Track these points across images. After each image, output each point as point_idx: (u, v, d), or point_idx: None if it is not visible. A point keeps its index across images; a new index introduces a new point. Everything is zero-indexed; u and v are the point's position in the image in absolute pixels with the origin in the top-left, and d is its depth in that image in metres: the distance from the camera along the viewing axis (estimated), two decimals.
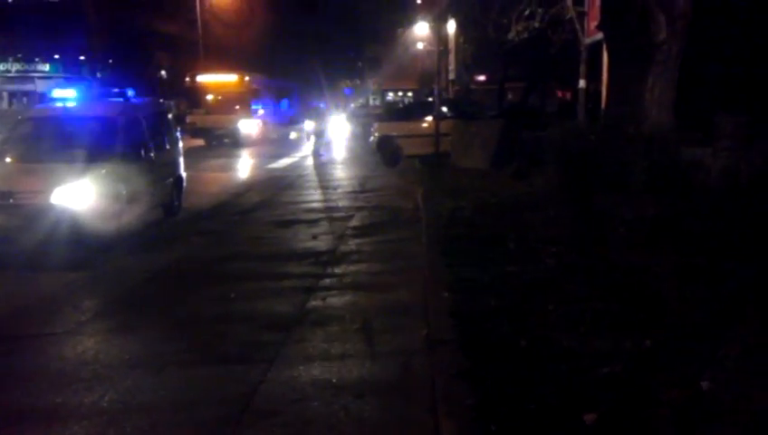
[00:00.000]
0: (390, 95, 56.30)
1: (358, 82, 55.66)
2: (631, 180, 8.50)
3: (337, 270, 7.42)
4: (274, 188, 14.43)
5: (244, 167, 20.32)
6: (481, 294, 5.71)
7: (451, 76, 32.82)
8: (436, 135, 17.12)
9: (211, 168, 19.06)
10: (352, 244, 8.75)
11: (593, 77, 15.64)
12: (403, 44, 46.54)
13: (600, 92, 14.82)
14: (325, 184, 15.07)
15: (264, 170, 18.53)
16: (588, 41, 15.24)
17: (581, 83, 15.32)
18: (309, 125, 34.46)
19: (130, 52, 39.99)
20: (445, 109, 18.51)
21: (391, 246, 8.54)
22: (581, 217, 8.12)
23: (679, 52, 9.29)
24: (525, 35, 17.84)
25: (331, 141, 27.07)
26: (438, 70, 19.86)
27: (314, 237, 9.16)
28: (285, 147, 26.31)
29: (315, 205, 12.14)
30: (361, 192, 13.57)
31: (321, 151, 21.69)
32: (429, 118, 18.24)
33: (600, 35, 12.13)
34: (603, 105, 11.35)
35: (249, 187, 14.92)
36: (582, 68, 15.25)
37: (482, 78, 32.84)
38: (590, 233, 7.43)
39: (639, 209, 7.84)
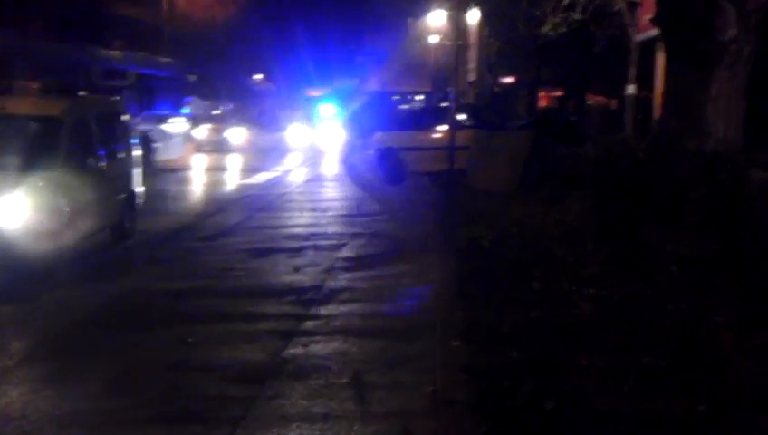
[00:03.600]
0: (395, 98, 56.74)
1: (356, 81, 56.00)
2: (688, 210, 8.54)
3: (323, 311, 7.46)
4: (249, 209, 14.53)
5: (214, 182, 20.45)
6: (500, 344, 5.74)
7: (471, 77, 33.06)
8: (450, 148, 17.23)
9: (173, 182, 19.17)
10: (343, 279, 8.79)
11: (645, 82, 15.80)
12: (413, 37, 46.91)
13: (651, 101, 14.98)
14: (312, 205, 15.16)
15: (237, 187, 18.65)
16: (639, 38, 15.42)
17: (630, 89, 15.49)
18: (295, 130, 34.76)
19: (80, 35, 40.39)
20: (462, 116, 18.65)
21: (392, 283, 8.59)
22: (626, 252, 8.16)
23: (751, 54, 9.34)
24: (563, 30, 18.05)
25: (322, 152, 27.31)
26: (456, 69, 20.07)
27: (296, 270, 9.21)
28: (263, 158, 26.47)
29: (299, 230, 12.20)
30: (357, 216, 13.65)
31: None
32: (443, 127, 18.37)
33: (654, 31, 12.26)
34: (656, 117, 11.46)
35: (219, 206, 15.01)
36: (632, 71, 15.44)
37: (509, 80, 33.17)
38: (635, 272, 7.47)
39: (697, 246, 7.89)
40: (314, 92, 47.36)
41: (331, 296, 8.00)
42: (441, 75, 39.50)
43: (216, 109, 35.89)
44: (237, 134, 31.12)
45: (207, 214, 14.00)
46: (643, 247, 8.15)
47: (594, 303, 6.65)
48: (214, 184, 20.00)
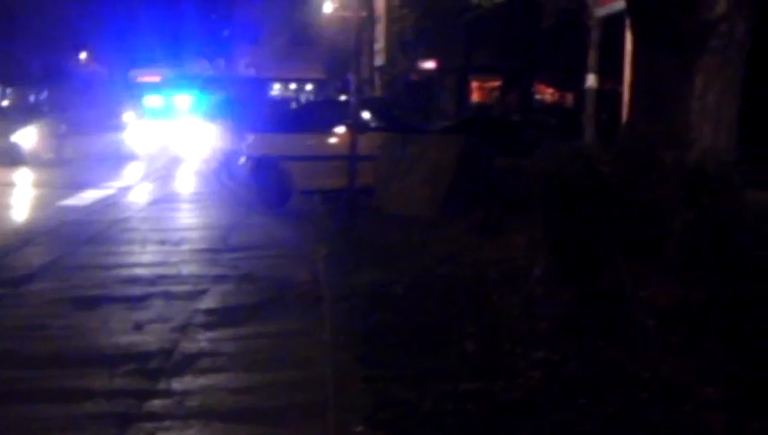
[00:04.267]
0: (275, 88, 56.73)
1: (222, 62, 55.81)
2: (668, 242, 8.76)
3: (175, 385, 7.34)
4: (71, 241, 14.23)
5: (20, 204, 19.94)
6: (419, 431, 5.73)
7: (379, 60, 33.43)
8: (351, 158, 17.28)
9: None
10: (203, 340, 8.69)
11: (609, 71, 16.22)
12: (300, 6, 47.15)
13: (619, 96, 15.37)
14: (161, 235, 14.94)
15: (54, 210, 18.23)
16: (602, 12, 15.83)
17: (590, 80, 15.88)
18: (138, 130, 34.27)
19: None
20: (366, 115, 18.77)
21: (271, 346, 8.55)
22: (586, 300, 8.31)
23: (746, 35, 9.51)
24: (500, 0, 18.40)
25: (177, 161, 27.04)
26: (358, 49, 20.20)
27: (138, 328, 9.06)
28: (92, 169, 26.03)
29: (141, 271, 12.02)
30: (222, 251, 13.55)
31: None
32: (340, 129, 18.43)
33: (620, 4, 12.58)
34: (624, 117, 11.71)
35: (26, 238, 14.64)
36: (592, 56, 15.81)
37: (430, 65, 33.60)
38: (598, 327, 7.60)
39: (679, 291, 8.07)
40: (149, 77, 46.04)
41: (186, 365, 7.87)
42: (338, 57, 39.82)
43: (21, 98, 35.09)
44: (38, 135, 29.95)
45: (9, 249, 13.62)
46: (609, 294, 8.29)
47: (546, 371, 6.71)
48: (19, 207, 19.52)
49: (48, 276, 11.65)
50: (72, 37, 47.06)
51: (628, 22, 11.78)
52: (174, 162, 29.34)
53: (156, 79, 45.18)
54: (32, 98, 39.70)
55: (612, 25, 15.50)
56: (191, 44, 53.22)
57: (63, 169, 26.50)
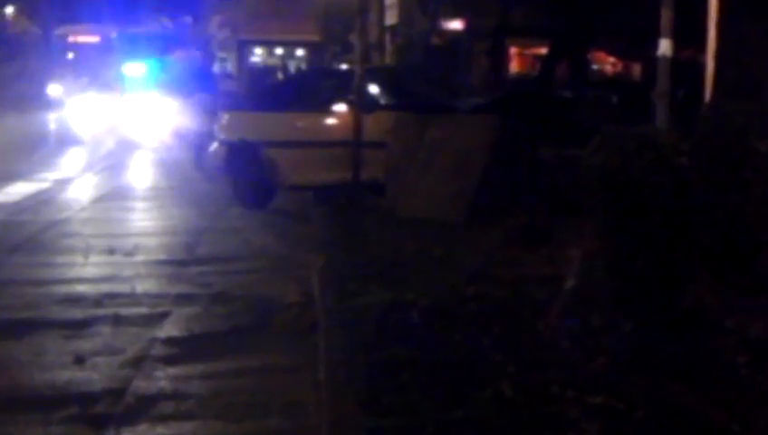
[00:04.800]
0: (257, 54, 56.71)
1: (188, 20, 55.90)
2: (763, 256, 8.74)
3: None
4: None
5: None
6: None
7: (391, 19, 33.45)
8: (354, 145, 17.28)
9: None
10: (163, 378, 8.67)
11: (688, 36, 16.19)
12: None
13: (700, 67, 15.33)
14: (110, 242, 14.96)
15: None
16: None
17: (663, 47, 15.83)
18: (80, 105, 34.29)
19: None
20: (373, 89, 18.76)
21: (250, 386, 8.52)
22: (658, 330, 8.29)
23: None
24: None
25: (131, 146, 27.06)
26: (363, 5, 20.18)
27: (79, 361, 9.05)
28: (20, 157, 26.03)
29: (84, 289, 12.04)
30: (189, 263, 13.59)
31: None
32: (340, 107, 18.41)
33: None
34: (707, 95, 11.69)
35: None
36: (666, 16, 15.78)
37: (456, 26, 33.59)
38: (673, 365, 7.58)
39: None
40: (84, 36, 45.25)
41: (141, 410, 7.83)
42: (337, 15, 39.86)
43: None
44: None
45: None
46: (687, 323, 8.27)
47: (605, 422, 6.69)
48: None
49: None
50: None
51: None
52: (125, 148, 29.35)
53: (94, 39, 44.56)
54: None
55: None
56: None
57: None
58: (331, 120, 18.51)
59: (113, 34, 43.62)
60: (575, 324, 8.82)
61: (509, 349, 8.31)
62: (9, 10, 53.11)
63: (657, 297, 8.73)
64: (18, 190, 20.51)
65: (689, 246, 8.76)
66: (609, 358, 7.93)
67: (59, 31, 45.89)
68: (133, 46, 41.51)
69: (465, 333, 8.87)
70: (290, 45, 56.47)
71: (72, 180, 22.61)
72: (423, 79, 22.19)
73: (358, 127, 17.24)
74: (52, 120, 32.52)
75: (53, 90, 35.66)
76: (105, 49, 42.45)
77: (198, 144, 21.53)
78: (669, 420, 6.70)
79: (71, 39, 44.55)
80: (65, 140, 31.05)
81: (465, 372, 7.83)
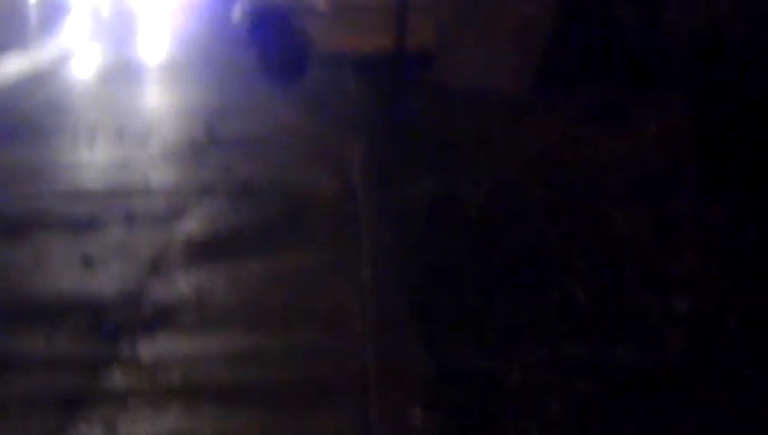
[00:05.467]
0: None
1: None
2: None
3: (145, 351, 7.39)
4: None
5: None
6: (503, 417, 5.76)
7: None
8: (398, 7, 17.16)
9: None
10: (184, 283, 8.73)
11: None
12: None
13: None
14: (118, 125, 15.00)
15: None
16: None
17: None
18: None
19: None
20: None
21: (284, 290, 8.57)
22: (756, 217, 8.25)
23: None
24: None
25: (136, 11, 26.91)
26: None
27: (87, 263, 9.13)
28: (9, 24, 25.97)
29: (91, 181, 12.12)
30: (210, 147, 13.63)
31: None
32: None
33: None
34: None
35: None
36: None
37: None
38: None
39: None
40: None
41: (159, 320, 7.88)
42: None
43: None
44: None
45: None
46: None
47: (695, 329, 6.70)
48: None
49: None
50: None
51: None
52: (133, 12, 29.25)
53: None
54: None
55: None
56: None
57: None
58: None
59: None
60: (656, 213, 8.80)
61: (580, 244, 8.32)
62: None
63: (753, 181, 8.69)
64: (11, 66, 20.47)
65: None
66: (700, 254, 7.90)
67: None
68: None
69: (531, 227, 8.89)
70: None
71: (71, 52, 22.58)
72: None
73: None
74: None
75: None
76: None
77: (219, 11, 21.42)
78: (765, 330, 6.70)
79: None
80: (63, 4, 30.88)
81: (531, 272, 7.85)
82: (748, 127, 8.83)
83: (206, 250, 9.58)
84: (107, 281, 8.76)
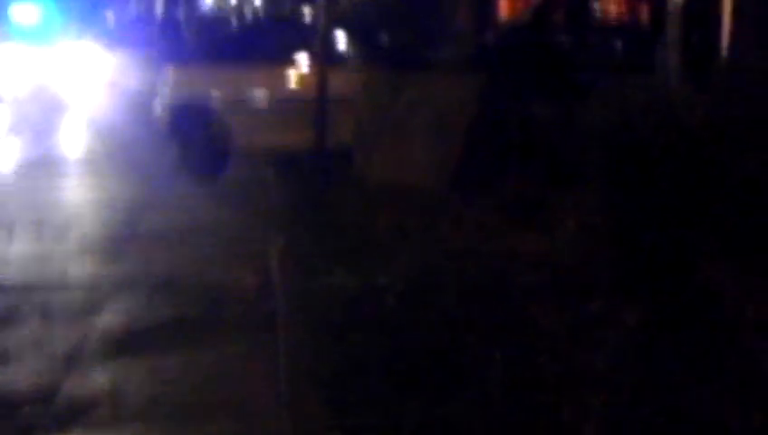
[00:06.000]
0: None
1: None
2: None
3: None
4: None
5: None
6: None
7: None
8: (318, 104, 17.25)
9: None
10: (100, 378, 8.68)
11: None
12: None
13: (716, 9, 15.35)
14: (36, 217, 14.95)
15: None
16: None
17: None
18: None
19: None
20: (340, 39, 18.69)
21: (201, 384, 8.56)
22: (667, 317, 8.31)
23: None
24: None
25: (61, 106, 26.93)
26: None
27: (1, 358, 9.06)
28: None
29: (8, 273, 12.07)
30: (130, 241, 13.61)
31: None
32: (301, 60, 18.37)
33: None
34: (726, 41, 11.69)
35: None
36: None
37: None
38: (686, 359, 7.60)
39: None
40: None
41: (74, 415, 7.82)
42: None
43: None
44: None
45: None
46: (700, 309, 8.29)
47: (607, 425, 6.72)
48: None
49: None
50: None
51: None
52: (55, 108, 29.25)
53: None
54: None
55: None
56: None
57: None
58: (291, 76, 18.50)
59: None
60: (572, 312, 8.84)
61: (496, 340, 8.32)
62: None
63: (665, 280, 8.75)
64: None
65: (703, 219, 8.79)
66: (612, 351, 7.93)
67: None
68: None
69: (446, 322, 8.89)
70: None
71: None
72: (397, 25, 22.17)
73: (322, 84, 17.25)
74: None
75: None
76: None
77: (141, 105, 21.46)
78: (678, 426, 6.73)
79: None
80: None
81: (445, 366, 7.85)
82: (660, 225, 8.91)
83: (122, 345, 9.50)
84: (21, 376, 8.67)
